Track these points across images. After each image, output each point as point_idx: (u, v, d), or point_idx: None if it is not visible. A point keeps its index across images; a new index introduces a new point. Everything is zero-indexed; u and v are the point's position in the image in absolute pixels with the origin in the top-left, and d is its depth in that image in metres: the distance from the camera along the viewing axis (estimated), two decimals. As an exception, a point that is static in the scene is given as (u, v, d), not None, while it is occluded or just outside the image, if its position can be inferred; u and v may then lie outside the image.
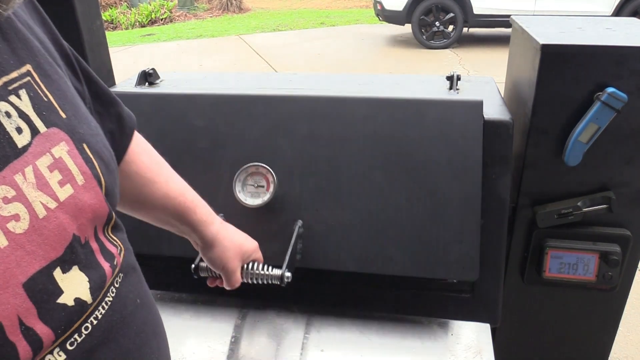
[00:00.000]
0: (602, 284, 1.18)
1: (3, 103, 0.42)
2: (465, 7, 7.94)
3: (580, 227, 1.17)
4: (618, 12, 7.20)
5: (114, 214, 0.55)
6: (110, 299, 0.52)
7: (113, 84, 1.52)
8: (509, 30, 1.42)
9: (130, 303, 0.55)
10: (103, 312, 0.50)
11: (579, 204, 1.14)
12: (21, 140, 0.43)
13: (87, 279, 0.47)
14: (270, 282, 1.01)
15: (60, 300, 0.44)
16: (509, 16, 1.46)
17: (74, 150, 0.48)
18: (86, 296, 0.47)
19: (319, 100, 1.38)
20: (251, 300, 1.20)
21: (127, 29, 11.48)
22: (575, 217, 1.15)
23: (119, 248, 0.56)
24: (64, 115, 0.49)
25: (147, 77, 1.45)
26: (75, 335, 0.46)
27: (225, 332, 1.11)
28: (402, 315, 1.13)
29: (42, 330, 0.42)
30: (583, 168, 1.12)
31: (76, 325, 0.46)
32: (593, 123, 1.06)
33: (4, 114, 0.42)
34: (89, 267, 0.48)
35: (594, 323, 1.31)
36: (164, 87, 1.46)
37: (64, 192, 0.46)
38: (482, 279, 1.12)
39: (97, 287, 0.49)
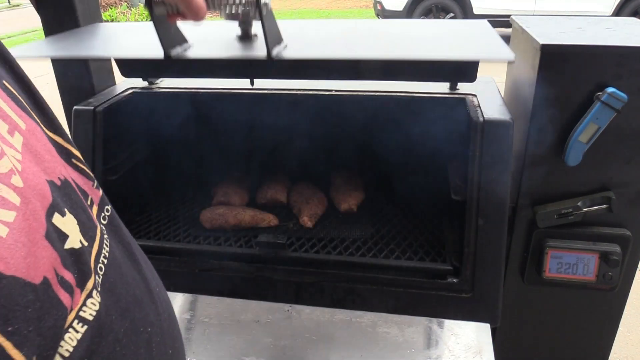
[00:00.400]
0: (602, 284, 1.18)
1: None
2: (465, 7, 7.95)
3: (580, 227, 1.17)
4: (618, 12, 7.20)
5: (68, 144, 0.51)
6: (105, 235, 0.50)
7: (113, 83, 1.52)
8: (509, 30, 1.42)
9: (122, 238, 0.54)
10: (108, 249, 0.49)
11: (579, 204, 1.14)
12: None
13: (76, 221, 0.44)
14: (244, 9, 0.84)
15: (68, 245, 0.42)
16: (509, 16, 1.46)
17: (2, 92, 0.44)
18: (80, 238, 0.45)
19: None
20: (249, 297, 1.20)
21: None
22: (575, 217, 1.15)
23: (92, 180, 0.53)
24: None
25: (147, 77, 1.45)
26: (96, 277, 0.45)
27: (224, 332, 1.11)
28: (402, 315, 1.13)
29: (69, 276, 0.41)
30: (583, 168, 1.12)
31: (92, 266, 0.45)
32: (593, 123, 1.06)
33: None
34: (75, 208, 0.45)
35: (594, 323, 1.31)
36: (164, 86, 1.46)
37: (17, 141, 0.42)
38: (482, 279, 1.12)
39: (87, 227, 0.46)
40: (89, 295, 0.43)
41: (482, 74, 1.21)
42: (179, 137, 1.65)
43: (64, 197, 0.44)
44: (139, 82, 1.47)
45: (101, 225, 0.51)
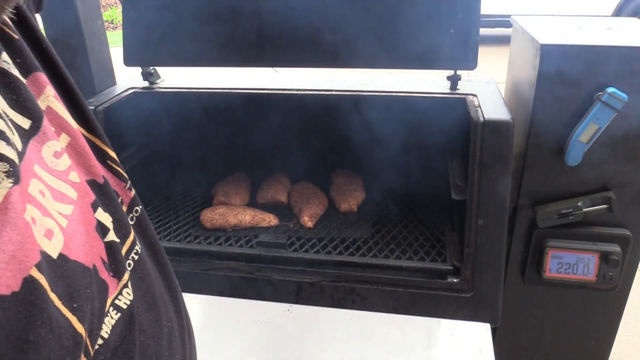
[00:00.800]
0: (602, 284, 1.18)
1: None
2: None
3: (581, 227, 1.17)
4: (618, 12, 7.20)
5: (104, 146, 0.53)
6: (134, 234, 0.53)
7: (114, 83, 1.52)
8: (509, 30, 1.42)
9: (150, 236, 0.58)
10: (137, 248, 0.52)
11: (579, 204, 1.14)
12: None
13: (111, 219, 0.47)
14: None
15: (108, 238, 0.45)
16: (509, 16, 1.46)
17: (55, 93, 0.46)
18: (116, 233, 0.48)
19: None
20: (249, 297, 1.20)
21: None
22: (576, 217, 1.15)
23: (125, 182, 0.55)
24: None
25: (148, 76, 1.45)
26: (128, 270, 0.49)
27: (224, 332, 1.11)
28: (402, 315, 1.13)
29: (109, 267, 0.45)
30: (583, 168, 1.12)
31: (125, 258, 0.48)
32: (593, 123, 1.06)
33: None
34: (111, 207, 0.48)
35: (594, 323, 1.31)
36: (164, 86, 1.46)
37: (64, 140, 0.45)
38: (482, 279, 1.12)
39: (122, 225, 0.50)
40: (125, 286, 0.46)
41: (482, 74, 1.22)
42: (179, 137, 1.66)
43: (102, 195, 0.47)
44: (139, 82, 1.47)
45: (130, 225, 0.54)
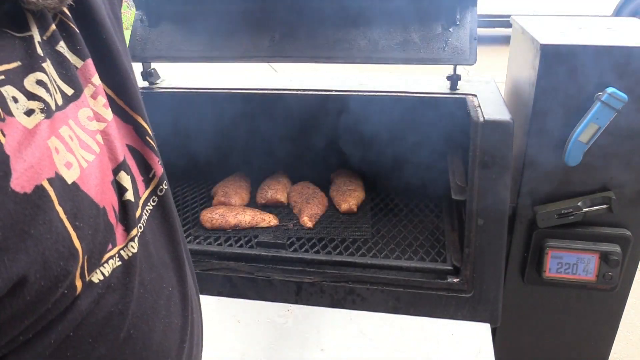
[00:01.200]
0: (602, 284, 1.18)
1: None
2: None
3: (581, 227, 1.17)
4: (618, 12, 7.20)
5: (145, 123, 0.60)
6: (150, 207, 0.59)
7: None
8: (509, 30, 1.42)
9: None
10: (148, 215, 0.58)
11: (579, 204, 1.14)
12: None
13: (131, 183, 0.54)
14: None
15: (125, 197, 0.52)
16: (509, 16, 1.46)
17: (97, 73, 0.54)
18: (133, 197, 0.54)
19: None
20: (249, 297, 1.20)
21: (127, 29, 11.49)
22: (576, 217, 1.15)
23: (158, 157, 0.62)
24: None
25: (148, 76, 1.45)
26: (138, 229, 0.54)
27: (224, 332, 1.11)
28: (402, 315, 1.13)
29: (121, 219, 0.51)
30: (583, 168, 1.12)
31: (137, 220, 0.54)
32: (593, 123, 1.06)
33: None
34: (129, 173, 0.55)
35: (594, 323, 1.31)
36: (164, 86, 1.46)
37: (108, 114, 0.53)
38: (482, 279, 1.12)
39: (138, 190, 0.56)
40: (132, 239, 0.52)
41: (482, 73, 1.22)
42: (178, 137, 1.66)
43: (129, 161, 0.56)
44: (139, 82, 1.47)
45: (154, 197, 0.61)
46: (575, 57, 1.06)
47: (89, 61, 0.51)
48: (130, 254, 0.52)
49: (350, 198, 1.47)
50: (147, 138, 0.60)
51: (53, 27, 0.48)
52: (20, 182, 0.37)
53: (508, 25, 1.45)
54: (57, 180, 0.41)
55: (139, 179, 0.59)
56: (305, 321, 1.13)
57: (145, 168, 0.60)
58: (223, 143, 1.70)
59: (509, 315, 1.27)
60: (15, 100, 0.40)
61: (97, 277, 0.47)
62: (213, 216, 1.40)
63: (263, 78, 1.53)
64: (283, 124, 1.61)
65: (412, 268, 1.18)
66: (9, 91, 0.40)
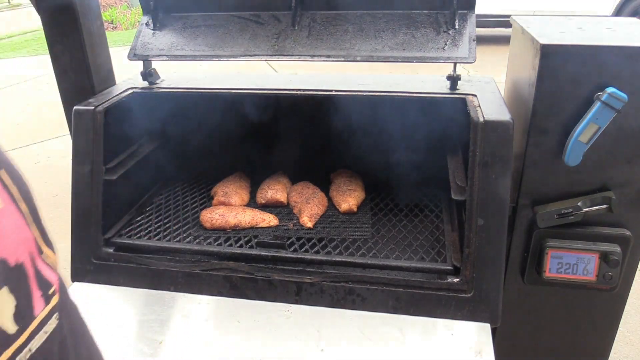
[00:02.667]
0: (602, 284, 1.18)
1: None
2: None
3: (581, 227, 1.17)
4: (618, 12, 7.20)
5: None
6: (46, 333, 0.46)
7: (113, 83, 1.52)
8: (509, 30, 1.42)
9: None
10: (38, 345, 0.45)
11: (579, 204, 1.14)
12: None
13: (15, 304, 0.42)
14: None
15: None
16: (509, 16, 1.46)
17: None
18: (9, 324, 0.42)
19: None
20: (249, 297, 1.20)
21: (127, 29, 11.48)
22: (576, 217, 1.15)
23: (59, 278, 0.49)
24: None
25: (148, 76, 1.45)
26: None
27: (224, 332, 1.11)
28: (402, 315, 1.13)
29: None
30: (583, 168, 1.12)
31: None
32: (593, 123, 1.06)
33: None
34: (18, 291, 0.43)
35: (594, 323, 1.31)
36: (164, 86, 1.46)
37: None
38: (482, 279, 1.12)
39: (23, 315, 0.43)
40: None
41: (482, 73, 1.21)
42: (178, 137, 1.66)
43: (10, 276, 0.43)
44: (139, 82, 1.47)
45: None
46: (575, 57, 1.06)
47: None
48: None
49: (350, 198, 1.47)
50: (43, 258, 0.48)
51: None
52: None
53: (508, 25, 1.45)
54: None
55: None
56: (305, 321, 1.13)
57: None
58: (223, 142, 1.70)
59: (509, 315, 1.27)
60: None
61: None
62: (213, 216, 1.40)
63: (263, 78, 1.53)
64: (283, 123, 1.61)
65: (412, 268, 1.18)
66: None
